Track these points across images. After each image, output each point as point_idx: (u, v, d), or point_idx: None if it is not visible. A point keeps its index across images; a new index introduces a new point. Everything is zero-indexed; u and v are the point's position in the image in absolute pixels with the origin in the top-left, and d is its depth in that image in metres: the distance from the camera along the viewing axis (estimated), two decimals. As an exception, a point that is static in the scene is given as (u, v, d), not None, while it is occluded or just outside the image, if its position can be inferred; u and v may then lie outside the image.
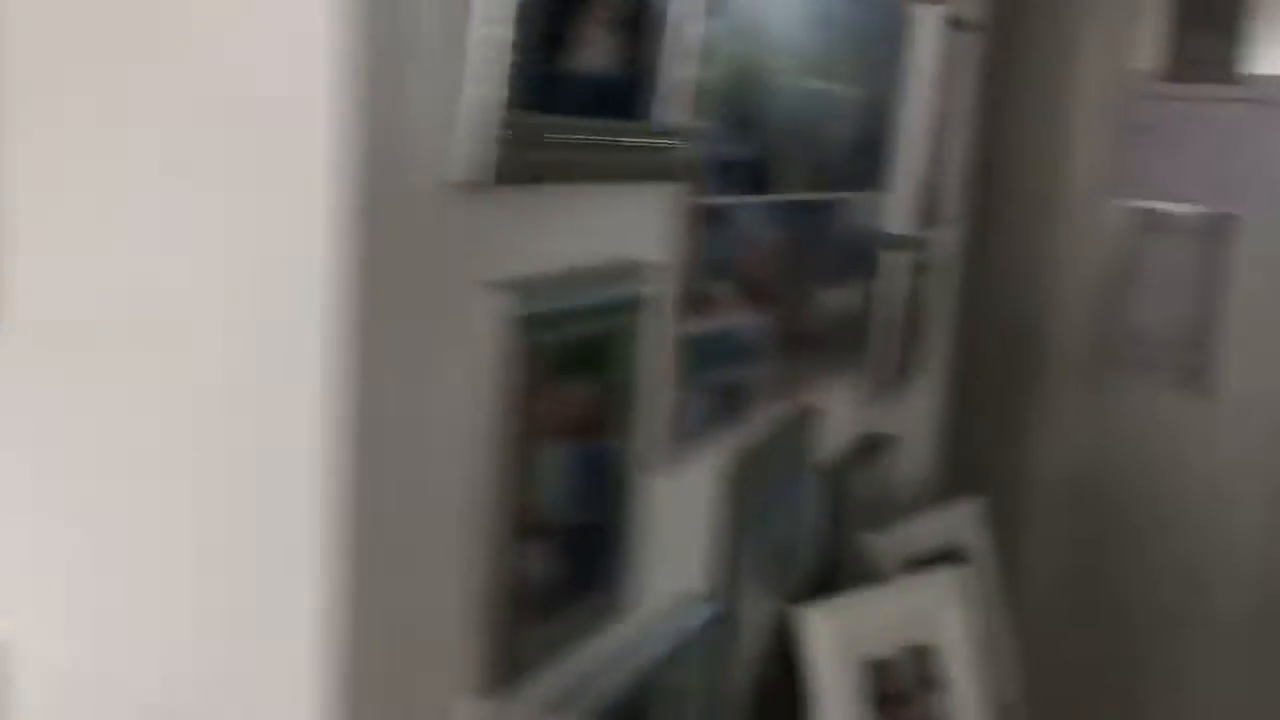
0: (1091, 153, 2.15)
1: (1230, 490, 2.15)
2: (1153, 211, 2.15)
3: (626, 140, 0.65)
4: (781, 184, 0.90)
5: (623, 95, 0.63)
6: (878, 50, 1.06)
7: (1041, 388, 2.21)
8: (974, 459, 2.26)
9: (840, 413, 1.20)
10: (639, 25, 0.63)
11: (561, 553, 0.64)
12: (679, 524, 0.85)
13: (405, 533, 0.55)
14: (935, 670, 1.16)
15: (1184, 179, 2.13)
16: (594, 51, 0.60)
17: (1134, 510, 2.19)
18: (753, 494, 0.95)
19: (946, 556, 1.33)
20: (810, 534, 1.17)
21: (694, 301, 0.79)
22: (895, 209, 1.21)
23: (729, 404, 0.87)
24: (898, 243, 1.23)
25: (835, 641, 1.06)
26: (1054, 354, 2.21)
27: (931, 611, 1.18)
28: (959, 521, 1.39)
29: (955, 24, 1.26)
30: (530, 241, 0.59)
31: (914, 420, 1.45)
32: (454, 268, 0.54)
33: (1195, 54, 2.13)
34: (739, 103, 0.80)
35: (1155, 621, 2.17)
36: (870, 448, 1.29)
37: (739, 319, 0.86)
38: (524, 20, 0.52)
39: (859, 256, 1.14)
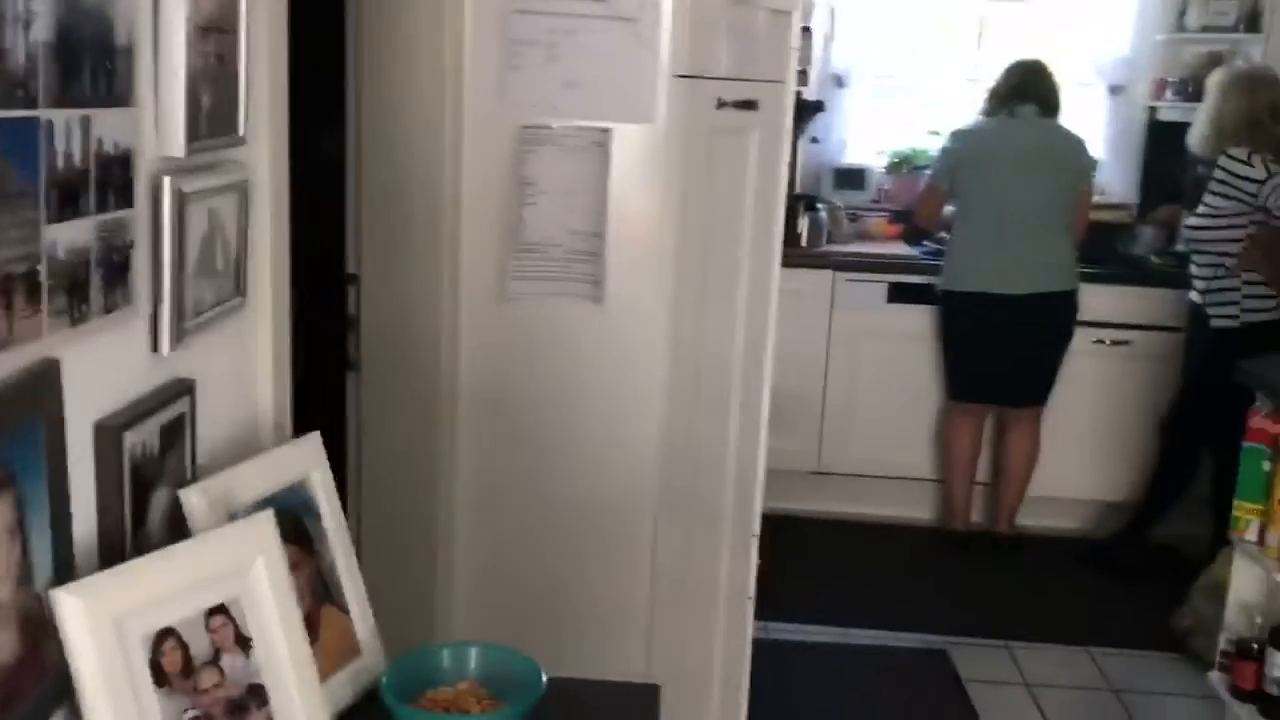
0: (479, 69, 2.13)
1: (625, 391, 2.27)
2: (543, 126, 2.18)
3: None
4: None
5: None
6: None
7: (451, 303, 2.20)
8: (381, 392, 2.22)
9: (117, 361, 1.06)
10: None
11: None
12: None
13: None
14: (241, 627, 1.08)
15: (565, 94, 2.18)
16: None
17: (548, 415, 2.26)
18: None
19: (280, 501, 1.25)
20: (93, 504, 1.03)
21: None
22: (156, 127, 1.08)
23: None
24: (166, 166, 1.10)
25: (100, 621, 0.94)
26: (462, 270, 2.20)
27: (235, 564, 1.09)
28: (296, 459, 1.31)
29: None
30: None
31: (241, 358, 1.34)
32: None
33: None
34: None
35: (572, 512, 2.27)
36: (175, 395, 1.16)
37: None
38: None
39: (101, 183, 0.99)
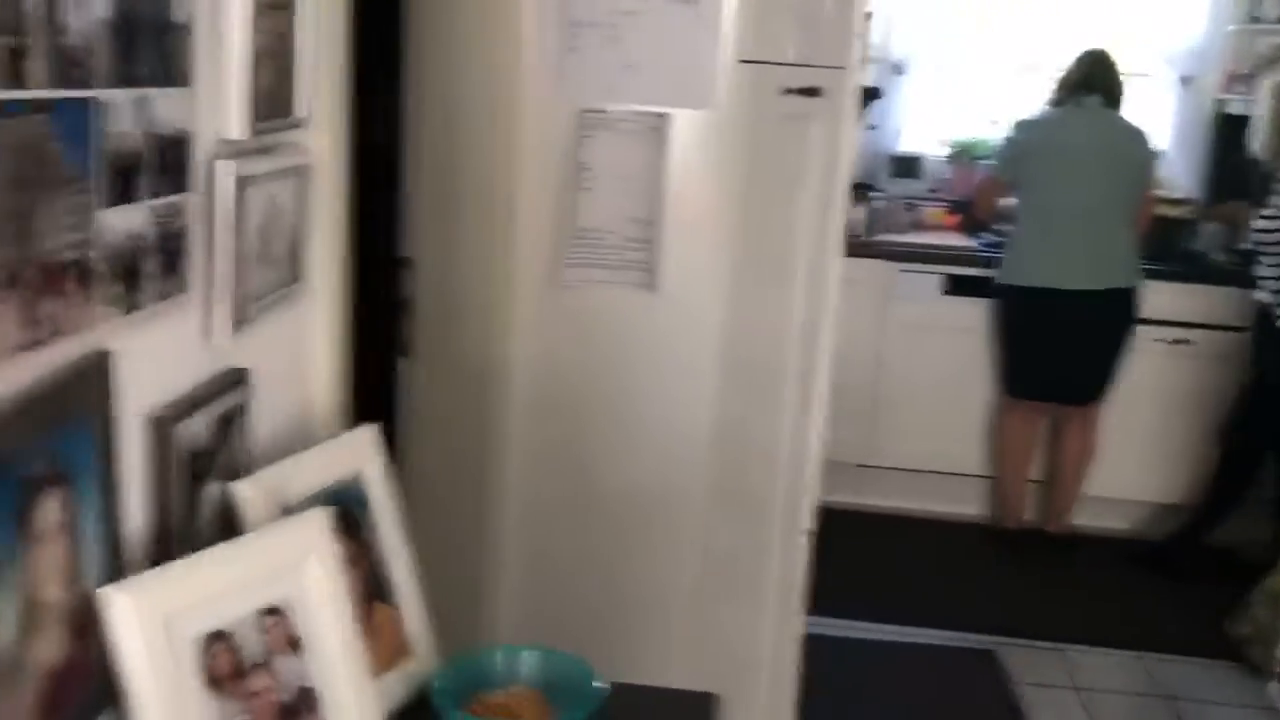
0: (536, 51, 2.09)
1: (684, 382, 2.23)
2: (600, 110, 2.13)
3: None
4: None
5: None
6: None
7: (504, 289, 2.16)
8: (434, 376, 2.19)
9: (171, 351, 1.03)
10: None
11: None
12: None
13: None
14: (293, 628, 1.04)
15: (624, 78, 2.13)
16: None
17: (601, 404, 2.22)
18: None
19: (334, 495, 1.22)
20: (142, 499, 1.00)
21: None
22: (215, 108, 1.04)
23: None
24: (227, 149, 1.06)
25: (150, 622, 0.91)
26: (517, 255, 2.17)
27: (287, 564, 1.05)
28: (351, 452, 1.27)
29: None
30: None
31: (296, 349, 1.30)
32: None
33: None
34: None
35: (622, 500, 2.23)
36: (229, 386, 1.13)
37: (-99, 255, 0.66)
38: None
39: (165, 168, 0.95)
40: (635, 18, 2.09)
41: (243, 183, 1.06)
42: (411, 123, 2.08)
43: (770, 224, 2.24)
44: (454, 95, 2.09)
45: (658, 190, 2.14)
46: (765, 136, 2.16)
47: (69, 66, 0.81)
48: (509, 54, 2.04)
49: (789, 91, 2.20)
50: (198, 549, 1.01)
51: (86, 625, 0.91)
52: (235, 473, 1.14)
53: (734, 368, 2.22)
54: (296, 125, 1.20)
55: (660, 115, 2.12)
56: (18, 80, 0.75)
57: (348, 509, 1.23)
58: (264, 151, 1.13)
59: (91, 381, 0.89)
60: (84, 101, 0.83)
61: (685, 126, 2.10)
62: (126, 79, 0.89)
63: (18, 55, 0.74)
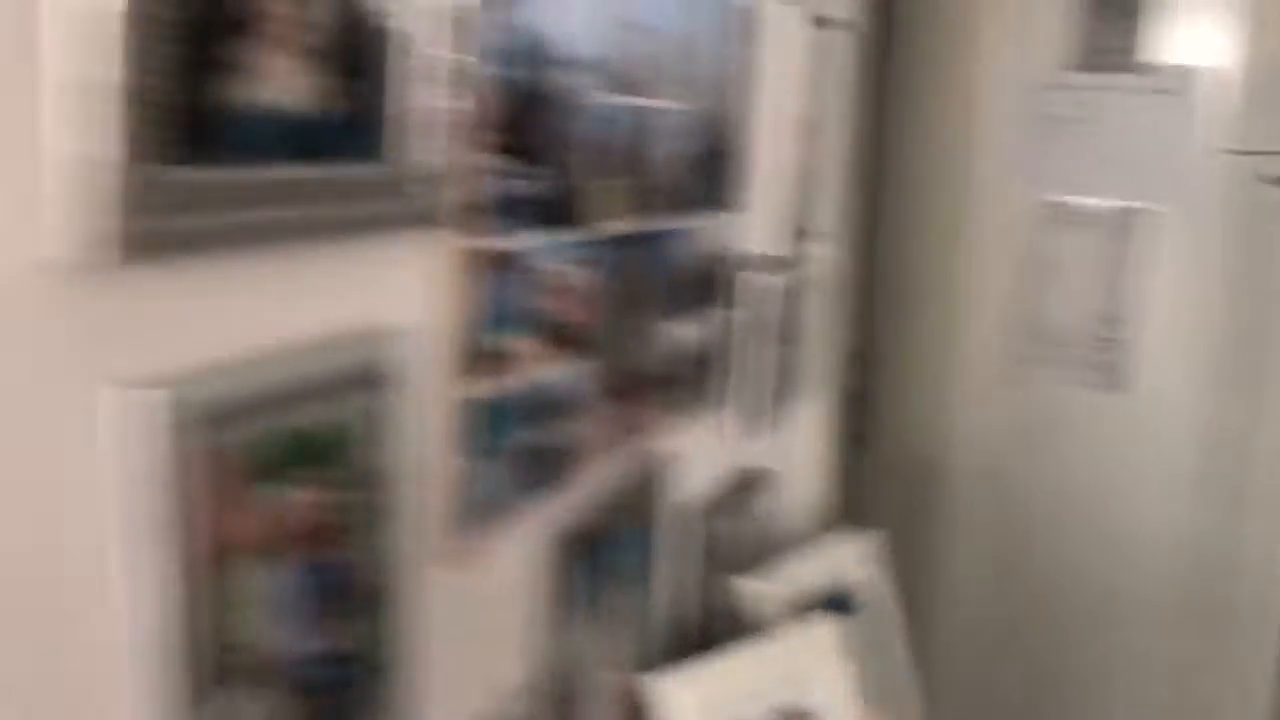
0: (1000, 146, 2.07)
1: (1148, 486, 2.09)
2: (1062, 204, 2.08)
3: (344, 188, 0.53)
4: (596, 216, 0.79)
5: (333, 135, 0.52)
6: (717, 57, 0.96)
7: (957, 383, 2.14)
8: (885, 469, 2.18)
9: (704, 452, 1.10)
10: (347, 51, 0.51)
11: (293, 693, 0.53)
12: (486, 618, 0.74)
13: (37, 697, 0.43)
14: (810, 731, 1.06)
15: (1092, 171, 2.06)
16: (280, 85, 0.48)
17: (1053, 506, 2.13)
18: (587, 562, 0.84)
19: (837, 598, 1.24)
20: (671, 590, 1.07)
21: (482, 360, 0.68)
22: (756, 227, 1.11)
23: (544, 468, 0.77)
24: (761, 264, 1.12)
25: (694, 712, 0.96)
26: (969, 350, 2.14)
27: (807, 667, 1.08)
28: (848, 557, 1.29)
29: (819, 22, 1.15)
30: (202, 322, 0.48)
31: (798, 449, 1.35)
32: (72, 367, 0.43)
33: (1100, 43, 2.06)
34: (525, 130, 0.69)
35: (1077, 616, 2.12)
36: (745, 485, 1.19)
37: (548, 372, 0.75)
38: (144, 54, 0.40)
39: (710, 284, 1.03)
40: (1108, 110, 2.03)
41: (778, 295, 1.12)
42: (877, 217, 2.12)
43: (1252, 322, 2.07)
44: (914, 188, 2.11)
45: (1125, 286, 2.04)
46: (1245, 227, 2.01)
47: (665, 199, 0.90)
48: (970, 147, 2.03)
49: (1271, 181, 2.04)
50: (715, 641, 1.07)
51: (634, 709, 0.97)
52: (749, 568, 1.19)
53: (1209, 473, 2.05)
54: (816, 237, 1.26)
55: (1130, 209, 2.02)
56: (637, 215, 0.84)
57: (847, 611, 1.25)
58: (792, 264, 1.19)
59: (648, 480, 0.97)
60: (671, 230, 0.92)
61: (1157, 220, 2.00)
62: (692, 206, 0.97)
63: (636, 194, 0.83)
